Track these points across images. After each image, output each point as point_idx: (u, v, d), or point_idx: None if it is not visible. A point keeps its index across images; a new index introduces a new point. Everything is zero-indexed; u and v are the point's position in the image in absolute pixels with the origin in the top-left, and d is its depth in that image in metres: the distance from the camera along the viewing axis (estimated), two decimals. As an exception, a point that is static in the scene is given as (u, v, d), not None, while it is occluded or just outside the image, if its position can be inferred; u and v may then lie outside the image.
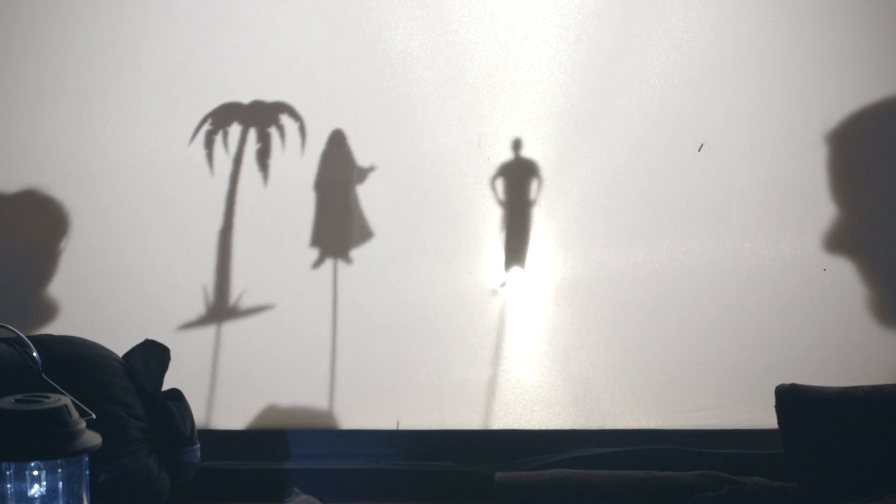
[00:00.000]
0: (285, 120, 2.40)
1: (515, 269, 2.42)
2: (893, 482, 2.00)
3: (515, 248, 2.42)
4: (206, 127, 2.39)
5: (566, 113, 2.41)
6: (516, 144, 2.39)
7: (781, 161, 2.40)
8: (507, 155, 2.41)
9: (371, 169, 2.40)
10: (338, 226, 2.43)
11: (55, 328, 2.31)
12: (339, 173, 2.41)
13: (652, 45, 2.39)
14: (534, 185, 2.42)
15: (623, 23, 2.40)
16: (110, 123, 2.39)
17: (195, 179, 2.41)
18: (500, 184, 2.42)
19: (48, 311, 2.39)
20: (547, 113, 2.41)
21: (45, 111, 2.38)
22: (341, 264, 2.43)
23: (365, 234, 2.41)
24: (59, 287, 2.39)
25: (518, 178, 2.41)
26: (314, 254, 2.43)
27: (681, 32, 2.39)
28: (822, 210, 2.40)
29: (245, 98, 2.40)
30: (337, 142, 2.40)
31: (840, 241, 2.40)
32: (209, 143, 2.39)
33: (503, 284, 2.42)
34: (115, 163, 2.40)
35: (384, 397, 2.43)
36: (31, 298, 2.40)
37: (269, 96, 2.40)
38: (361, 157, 2.41)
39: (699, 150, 2.27)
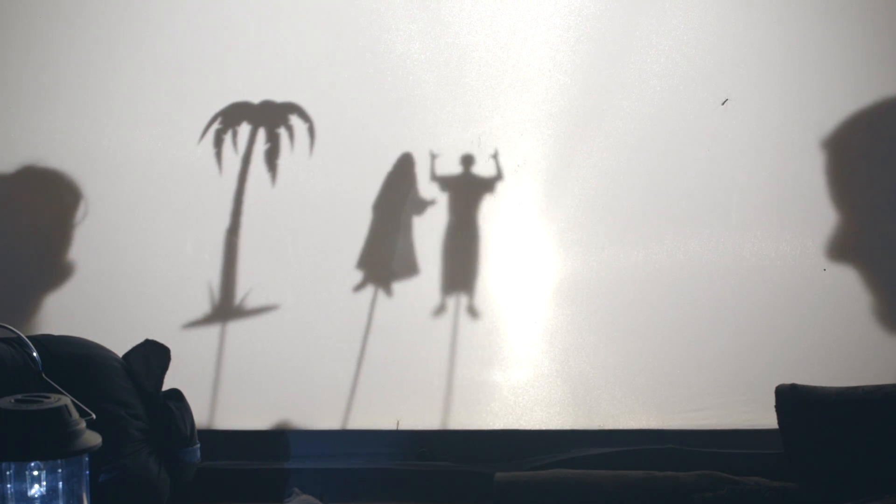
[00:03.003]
0: (294, 120, 2.41)
1: (458, 293, 2.43)
2: (893, 482, 2.00)
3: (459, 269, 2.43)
4: (216, 126, 2.40)
5: (566, 114, 2.41)
6: (466, 161, 2.41)
7: (781, 161, 2.40)
8: (501, 158, 2.42)
9: (432, 202, 2.41)
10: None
11: (56, 328, 2.31)
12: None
13: (652, 45, 2.39)
14: (485, 200, 2.42)
15: (623, 24, 2.40)
16: (113, 123, 2.40)
17: (199, 179, 2.41)
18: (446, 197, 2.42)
19: (49, 310, 2.40)
20: (547, 114, 2.41)
21: (47, 111, 2.39)
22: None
23: (411, 269, 2.43)
24: (61, 286, 2.40)
25: (467, 194, 2.42)
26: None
27: (681, 33, 2.39)
28: (822, 210, 2.40)
29: (245, 98, 2.40)
30: (405, 164, 2.41)
31: (840, 241, 2.40)
32: (218, 142, 2.40)
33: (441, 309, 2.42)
34: (119, 162, 2.40)
35: (384, 397, 2.44)
36: (32, 298, 2.41)
37: (268, 97, 2.40)
38: (362, 159, 2.42)
39: (723, 105, 2.27)
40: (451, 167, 2.42)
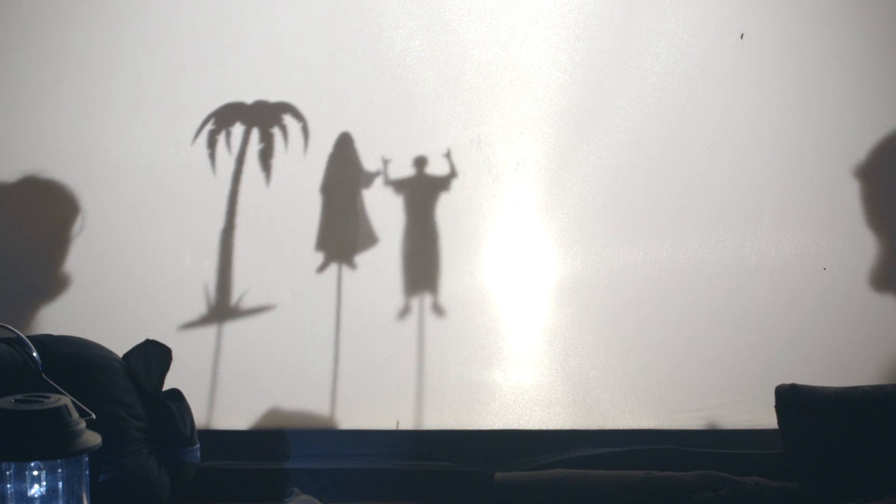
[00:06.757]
0: (288, 120, 2.40)
1: (424, 293, 2.42)
2: (893, 482, 2.00)
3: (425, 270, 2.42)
4: (209, 126, 2.39)
5: (566, 112, 2.41)
6: (420, 162, 2.40)
7: (781, 160, 2.41)
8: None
9: (377, 174, 2.40)
10: (342, 229, 2.42)
11: (55, 328, 2.30)
12: (345, 177, 2.41)
13: (652, 44, 2.39)
14: (441, 200, 2.41)
15: (623, 22, 2.40)
16: (111, 123, 2.39)
17: (196, 179, 2.40)
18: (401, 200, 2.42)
19: (49, 310, 2.39)
20: (547, 112, 2.41)
21: (45, 112, 2.38)
22: (343, 265, 2.42)
23: (370, 239, 2.41)
24: (59, 287, 2.39)
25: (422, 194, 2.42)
26: (316, 255, 2.42)
27: (681, 32, 2.39)
28: (823, 210, 2.40)
29: (245, 98, 2.40)
30: (344, 145, 2.40)
31: (840, 240, 2.41)
32: (212, 143, 2.39)
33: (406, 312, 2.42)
34: (116, 163, 2.40)
35: (384, 397, 2.43)
36: (31, 298, 2.40)
37: (268, 96, 2.40)
38: (362, 158, 2.41)
39: (741, 38, 2.26)
40: (456, 166, 2.42)
